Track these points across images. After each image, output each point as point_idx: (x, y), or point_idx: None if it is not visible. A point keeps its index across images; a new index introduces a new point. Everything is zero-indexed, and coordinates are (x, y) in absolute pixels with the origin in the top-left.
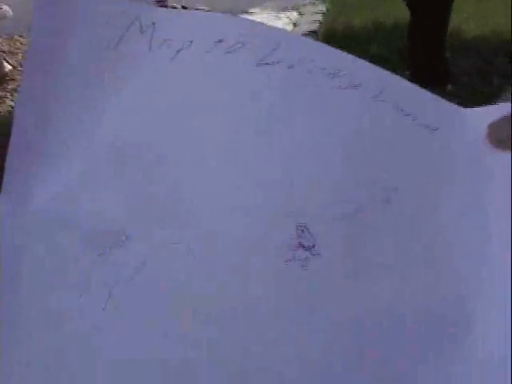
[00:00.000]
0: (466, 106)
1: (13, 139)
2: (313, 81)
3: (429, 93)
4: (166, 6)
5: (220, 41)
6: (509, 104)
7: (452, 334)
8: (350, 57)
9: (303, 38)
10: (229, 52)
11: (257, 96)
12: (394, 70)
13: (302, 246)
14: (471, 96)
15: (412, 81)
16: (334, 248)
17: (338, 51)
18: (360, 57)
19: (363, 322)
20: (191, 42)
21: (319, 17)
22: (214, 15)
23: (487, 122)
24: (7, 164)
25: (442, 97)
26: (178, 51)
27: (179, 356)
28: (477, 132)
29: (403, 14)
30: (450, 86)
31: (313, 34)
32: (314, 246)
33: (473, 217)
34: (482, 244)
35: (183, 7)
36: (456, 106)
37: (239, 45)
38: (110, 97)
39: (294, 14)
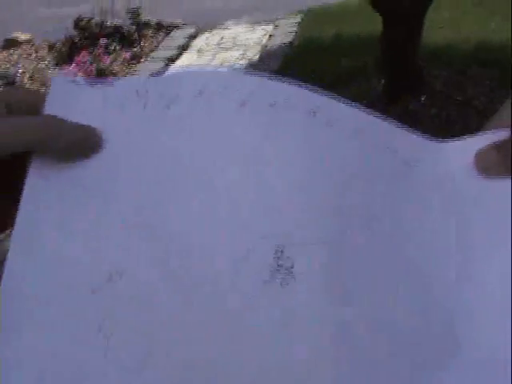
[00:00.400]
0: (441, 114)
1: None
2: (292, 119)
3: (408, 130)
4: (139, 23)
5: (201, 92)
6: (493, 132)
7: (440, 358)
8: (327, 97)
9: (281, 81)
10: (209, 101)
11: (238, 137)
12: (369, 81)
13: (280, 267)
14: (446, 105)
15: (387, 91)
16: (310, 271)
17: (316, 91)
18: (335, 68)
19: (341, 345)
20: (177, 96)
21: (294, 28)
22: (196, 71)
23: (472, 152)
24: None
25: (417, 106)
26: (168, 106)
27: (167, 375)
28: (461, 162)
29: (378, 24)
30: (424, 96)
31: (288, 45)
32: (292, 267)
33: (458, 242)
34: (467, 266)
35: (158, 23)
36: (435, 141)
37: (219, 94)
38: (110, 151)
39: (270, 27)
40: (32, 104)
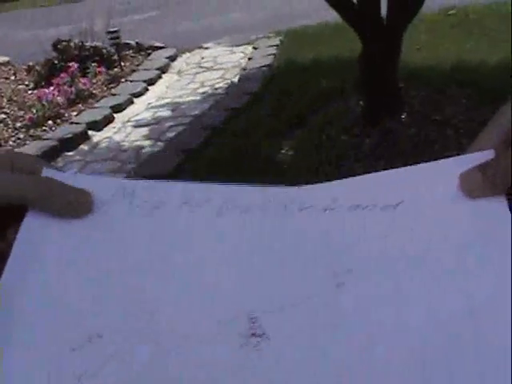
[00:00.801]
0: (420, 134)
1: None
2: (265, 216)
3: (391, 171)
4: (118, 44)
5: (186, 202)
6: (477, 153)
7: None
8: (298, 188)
9: (254, 187)
10: (192, 210)
11: (218, 237)
12: (347, 101)
13: (253, 334)
14: (424, 124)
15: (365, 111)
16: (282, 333)
17: (285, 188)
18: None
19: None
20: (164, 203)
21: (274, 50)
22: (183, 183)
23: (457, 173)
24: None
25: (397, 126)
26: (153, 210)
27: None
28: (447, 184)
29: (358, 46)
30: (404, 115)
31: (267, 67)
32: (264, 334)
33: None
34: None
35: (137, 43)
36: (417, 167)
37: (202, 202)
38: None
39: (249, 48)
40: (32, 167)
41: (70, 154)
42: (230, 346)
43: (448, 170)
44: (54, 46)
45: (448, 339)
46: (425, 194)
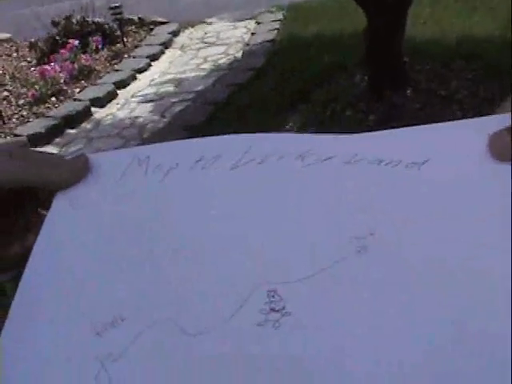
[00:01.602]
0: (425, 109)
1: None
2: (283, 166)
3: (417, 128)
4: (121, 20)
5: (199, 160)
6: (507, 115)
7: None
8: (319, 137)
9: (273, 135)
10: (205, 167)
11: (232, 194)
12: (352, 77)
13: (272, 309)
14: (430, 99)
15: (371, 86)
16: (303, 306)
17: (307, 136)
18: (317, 65)
19: (340, 378)
20: (177, 164)
21: (277, 25)
22: (194, 141)
23: (486, 133)
24: None
25: (402, 101)
26: (167, 173)
27: None
28: (474, 144)
29: (362, 20)
30: (409, 90)
31: (270, 42)
32: (283, 308)
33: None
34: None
35: (139, 18)
36: (445, 125)
37: (214, 159)
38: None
39: (252, 23)
40: (29, 155)
41: (74, 131)
42: (250, 324)
43: (476, 130)
44: (54, 23)
45: (467, 300)
46: (452, 153)
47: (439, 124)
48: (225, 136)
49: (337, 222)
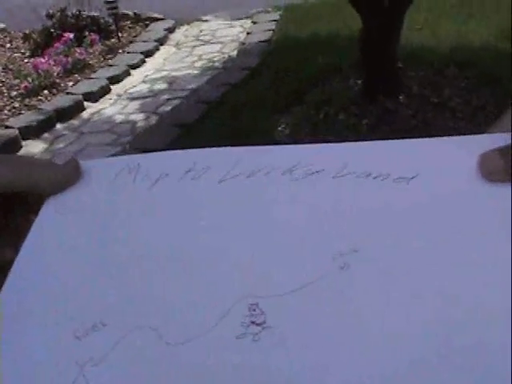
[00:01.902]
0: (417, 115)
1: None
2: (270, 181)
3: (407, 141)
4: (116, 15)
5: (188, 171)
6: (498, 134)
7: None
8: (308, 149)
9: (262, 148)
10: (194, 178)
11: (219, 207)
12: (346, 80)
13: (253, 322)
14: (423, 106)
15: (364, 90)
16: (284, 320)
17: (296, 148)
18: (312, 66)
19: None
20: (167, 174)
21: (273, 25)
22: (185, 151)
23: (477, 152)
24: None
25: (395, 106)
26: (156, 181)
27: None
28: (464, 162)
29: (357, 23)
30: (402, 96)
31: (266, 42)
32: (264, 322)
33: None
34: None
35: (135, 14)
36: (436, 140)
37: (204, 170)
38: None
39: (248, 23)
40: (18, 160)
41: (65, 124)
42: (229, 337)
43: (467, 148)
44: (49, 15)
45: (460, 320)
46: (441, 169)
47: (430, 139)
48: (215, 148)
49: (322, 238)
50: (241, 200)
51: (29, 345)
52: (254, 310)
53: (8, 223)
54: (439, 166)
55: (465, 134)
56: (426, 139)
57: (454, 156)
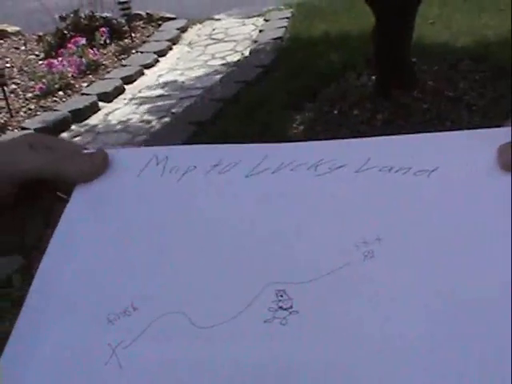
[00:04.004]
0: (432, 109)
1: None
2: (296, 176)
3: (428, 135)
4: (129, 15)
5: (216, 165)
6: None
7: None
8: (333, 144)
9: (288, 144)
10: (222, 172)
11: (247, 200)
12: (359, 76)
13: (280, 307)
14: (437, 100)
15: (378, 86)
16: (310, 306)
17: (320, 144)
18: (325, 64)
19: (345, 377)
20: (195, 167)
21: (285, 23)
22: (213, 146)
23: (496, 145)
24: None
25: (409, 101)
26: (184, 174)
27: None
28: (484, 155)
29: (369, 20)
30: (416, 91)
31: (279, 39)
32: (291, 307)
33: (480, 256)
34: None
35: (147, 14)
36: (456, 133)
37: (232, 164)
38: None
39: (260, 21)
40: (49, 146)
41: (81, 125)
42: (257, 321)
43: (486, 141)
44: (62, 17)
45: (479, 307)
46: (461, 162)
47: (450, 132)
48: (242, 144)
49: (346, 227)
50: (267, 194)
51: (63, 328)
52: (282, 296)
53: (37, 208)
54: (459, 158)
55: (480, 128)
56: (446, 133)
57: (474, 149)
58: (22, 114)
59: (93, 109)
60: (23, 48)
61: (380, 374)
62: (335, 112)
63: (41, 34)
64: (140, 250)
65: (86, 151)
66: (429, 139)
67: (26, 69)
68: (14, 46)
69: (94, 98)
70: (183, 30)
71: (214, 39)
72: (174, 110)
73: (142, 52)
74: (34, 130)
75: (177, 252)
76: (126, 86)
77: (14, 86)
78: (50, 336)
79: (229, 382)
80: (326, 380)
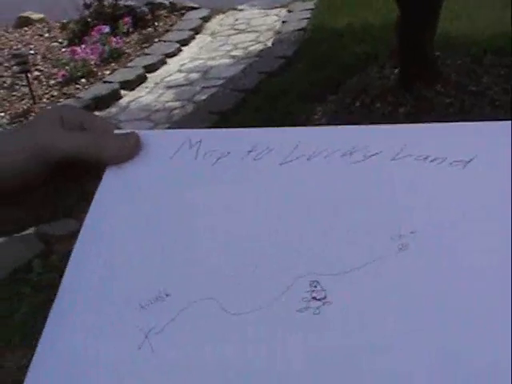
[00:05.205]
0: (455, 103)
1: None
2: (330, 163)
3: (466, 124)
4: (152, 4)
5: (250, 151)
6: None
7: None
8: (367, 129)
9: (320, 129)
10: (256, 159)
11: (281, 188)
12: (382, 69)
13: (314, 298)
14: (460, 94)
15: (401, 79)
16: (344, 297)
17: (354, 129)
18: (348, 55)
19: (373, 372)
20: (229, 152)
21: (308, 14)
22: (247, 131)
23: None
24: None
25: (432, 95)
26: (218, 159)
27: None
28: None
29: (392, 12)
30: (439, 85)
31: (301, 31)
32: (325, 297)
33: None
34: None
35: (171, 3)
36: (494, 123)
37: (265, 151)
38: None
39: (283, 12)
40: (83, 125)
41: (103, 112)
42: (291, 310)
43: None
44: (86, 5)
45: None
46: (497, 153)
47: (487, 122)
48: (275, 128)
49: (381, 219)
50: (302, 182)
51: (96, 312)
52: (316, 287)
53: (82, 189)
54: (495, 149)
55: None
56: (483, 123)
57: (510, 140)
58: (44, 100)
59: (115, 97)
60: (47, 35)
61: (414, 365)
62: (357, 104)
63: (64, 21)
64: (172, 235)
65: (118, 131)
66: (465, 128)
67: (49, 56)
68: (38, 33)
69: (117, 86)
70: (206, 19)
71: (236, 29)
72: (195, 100)
73: (164, 41)
74: None
75: (210, 238)
76: (148, 75)
77: (37, 73)
78: (84, 322)
79: (260, 369)
80: (358, 370)
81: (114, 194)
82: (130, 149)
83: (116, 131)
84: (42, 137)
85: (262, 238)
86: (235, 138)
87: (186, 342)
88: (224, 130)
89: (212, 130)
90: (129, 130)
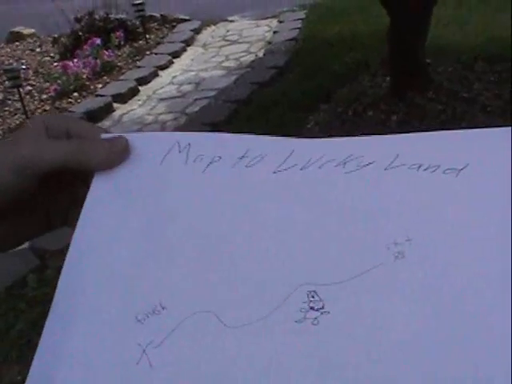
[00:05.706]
0: (447, 110)
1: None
2: (324, 173)
3: (458, 132)
4: (143, 17)
5: (242, 157)
6: None
7: None
8: (361, 140)
9: (314, 140)
10: (249, 166)
11: (275, 198)
12: (374, 77)
13: (311, 308)
14: (452, 101)
15: (393, 87)
16: (342, 306)
17: (348, 140)
18: (339, 65)
19: (375, 377)
20: (220, 157)
21: (299, 24)
22: (238, 136)
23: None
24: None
25: (424, 102)
26: (208, 165)
27: None
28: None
29: (383, 21)
30: (431, 92)
31: (292, 41)
32: (323, 307)
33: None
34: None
35: (162, 15)
36: (487, 131)
37: (258, 158)
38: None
39: (274, 22)
40: (68, 131)
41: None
42: (289, 321)
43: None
44: (77, 19)
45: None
46: (491, 161)
47: (479, 130)
48: (268, 137)
49: (376, 228)
50: (295, 192)
51: (92, 328)
52: (313, 297)
53: (65, 192)
54: (488, 156)
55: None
56: (475, 130)
57: (503, 147)
58: (37, 115)
59: (107, 110)
60: (38, 50)
61: (411, 374)
62: (350, 113)
63: (56, 35)
64: (166, 245)
65: (106, 135)
66: (458, 136)
67: (41, 70)
68: (30, 47)
69: (109, 99)
70: (197, 31)
71: (227, 41)
72: (188, 111)
73: (156, 53)
74: None
75: (206, 250)
76: (140, 88)
77: (29, 88)
78: (80, 337)
79: (259, 381)
80: (357, 380)
81: (103, 202)
82: (119, 154)
83: (104, 135)
84: (27, 149)
85: (257, 249)
86: (225, 143)
87: (184, 357)
88: (213, 134)
89: (201, 133)
90: (117, 134)
